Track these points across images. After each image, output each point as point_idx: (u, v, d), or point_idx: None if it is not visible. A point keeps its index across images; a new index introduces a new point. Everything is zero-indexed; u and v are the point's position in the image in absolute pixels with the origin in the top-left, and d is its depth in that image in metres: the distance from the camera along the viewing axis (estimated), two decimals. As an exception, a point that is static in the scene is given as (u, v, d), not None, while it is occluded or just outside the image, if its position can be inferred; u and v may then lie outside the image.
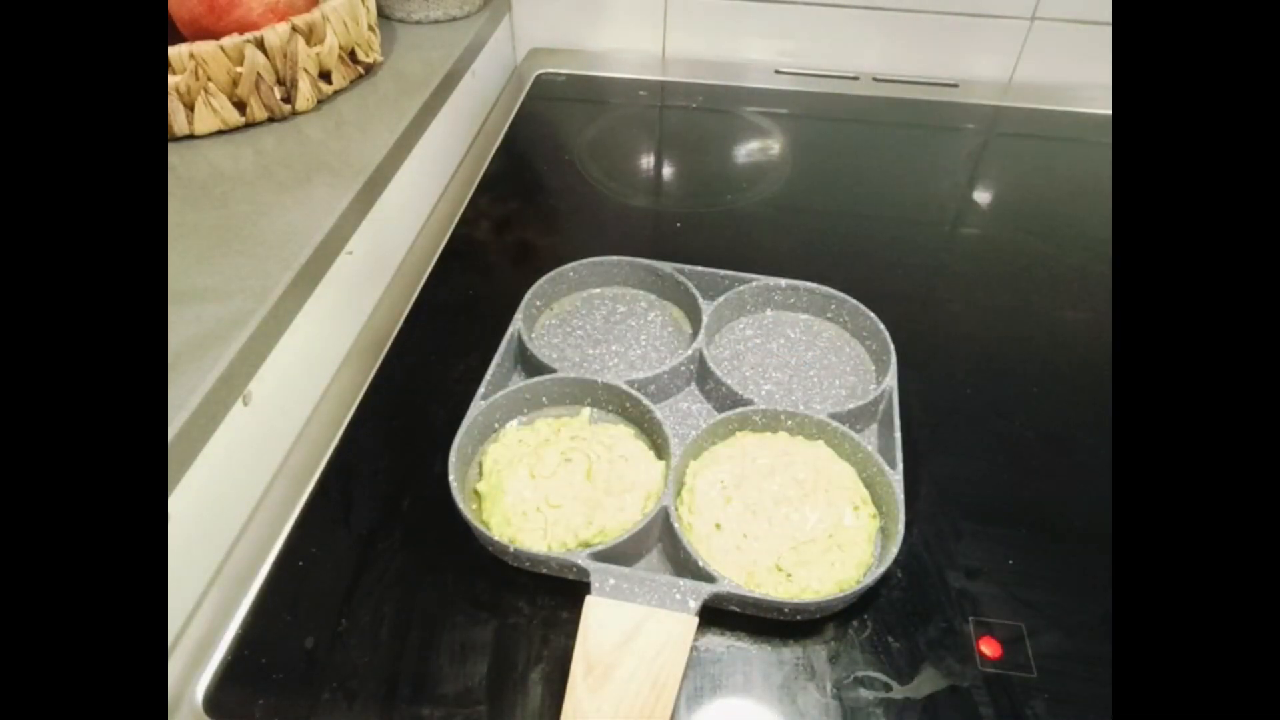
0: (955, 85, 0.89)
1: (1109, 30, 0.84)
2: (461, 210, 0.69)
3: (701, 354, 0.51)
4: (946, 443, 0.50)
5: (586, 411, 0.50)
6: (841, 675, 0.39)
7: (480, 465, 0.46)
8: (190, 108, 0.58)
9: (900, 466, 0.45)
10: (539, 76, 0.91)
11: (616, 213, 0.71)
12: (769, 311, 0.58)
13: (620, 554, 0.41)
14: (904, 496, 0.43)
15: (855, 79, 0.90)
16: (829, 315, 0.57)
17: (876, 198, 0.74)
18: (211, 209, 0.52)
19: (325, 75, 0.65)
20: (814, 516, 0.43)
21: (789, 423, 0.48)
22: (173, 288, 0.45)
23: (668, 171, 0.79)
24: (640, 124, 0.87)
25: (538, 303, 0.56)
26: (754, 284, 0.56)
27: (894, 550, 0.40)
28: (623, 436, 0.47)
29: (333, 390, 0.54)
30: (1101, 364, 0.56)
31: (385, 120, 0.63)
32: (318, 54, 0.63)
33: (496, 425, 0.49)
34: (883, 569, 0.40)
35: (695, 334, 0.53)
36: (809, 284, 0.56)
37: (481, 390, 0.48)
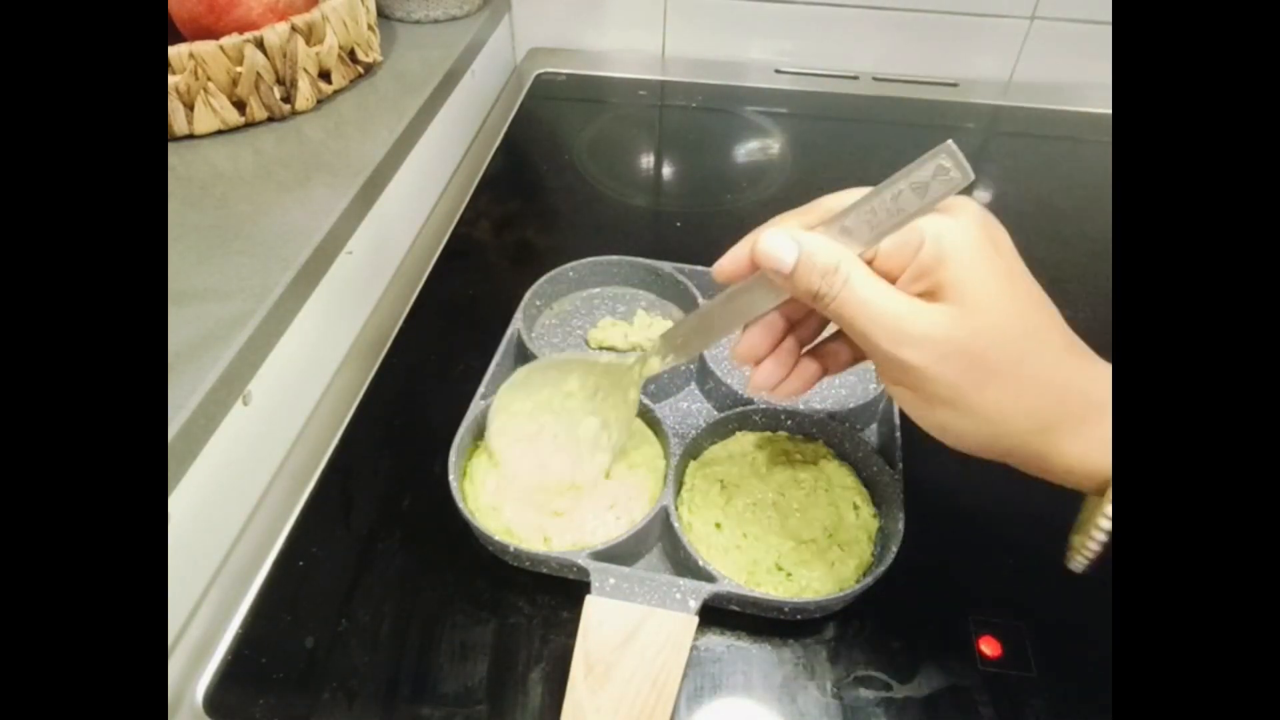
0: (955, 85, 0.89)
1: (1109, 30, 0.84)
2: (461, 210, 0.69)
3: (702, 354, 0.51)
4: (946, 442, 0.50)
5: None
6: (842, 675, 0.39)
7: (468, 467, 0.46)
8: (190, 108, 0.58)
9: (900, 466, 0.45)
10: (539, 76, 0.91)
11: (616, 213, 0.71)
12: (769, 311, 0.58)
13: (620, 554, 0.41)
14: (904, 496, 0.43)
15: (855, 79, 0.90)
16: (829, 315, 0.57)
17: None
18: (211, 209, 0.52)
19: (325, 75, 0.65)
20: (814, 516, 0.43)
21: (789, 422, 0.48)
22: (173, 288, 0.45)
23: (668, 171, 0.79)
24: (640, 124, 0.87)
25: (538, 303, 0.56)
26: (754, 284, 0.56)
27: (894, 550, 0.40)
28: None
29: (333, 390, 0.54)
30: (1101, 364, 0.55)
31: (385, 120, 0.63)
32: (317, 54, 0.63)
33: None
34: (883, 568, 0.40)
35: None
36: (809, 284, 0.56)
37: (481, 390, 0.48)
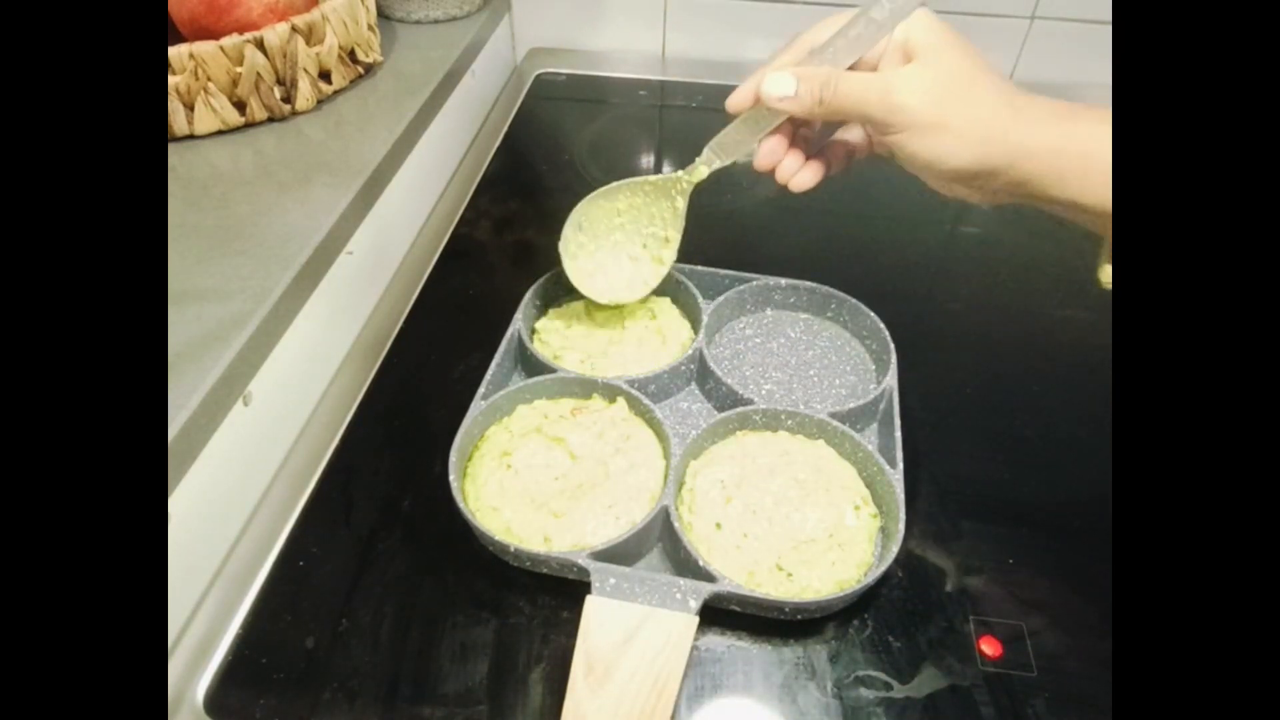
0: (955, 85, 0.89)
1: (1109, 29, 0.84)
2: (461, 210, 0.69)
3: (701, 354, 0.51)
4: (946, 443, 0.50)
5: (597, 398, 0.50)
6: (842, 674, 0.39)
7: (469, 464, 0.46)
8: (190, 108, 0.58)
9: (900, 466, 0.45)
10: (539, 76, 0.91)
11: (616, 212, 0.71)
12: (769, 311, 0.58)
13: (620, 554, 0.41)
14: (904, 496, 0.43)
15: (855, 79, 0.90)
16: (829, 315, 0.57)
17: (876, 198, 0.74)
18: (211, 209, 0.52)
19: (325, 75, 0.65)
20: (814, 516, 0.43)
21: (789, 422, 0.48)
22: (173, 288, 0.45)
23: (668, 171, 0.79)
24: (640, 124, 0.87)
25: (538, 302, 0.56)
26: (754, 284, 0.56)
27: (894, 549, 0.40)
28: (625, 433, 0.47)
29: (333, 390, 0.54)
30: (1101, 364, 0.55)
31: (385, 120, 0.63)
32: (317, 54, 0.63)
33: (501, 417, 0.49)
34: (883, 568, 0.40)
35: (695, 334, 0.53)
36: (809, 284, 0.56)
37: (481, 390, 0.48)
